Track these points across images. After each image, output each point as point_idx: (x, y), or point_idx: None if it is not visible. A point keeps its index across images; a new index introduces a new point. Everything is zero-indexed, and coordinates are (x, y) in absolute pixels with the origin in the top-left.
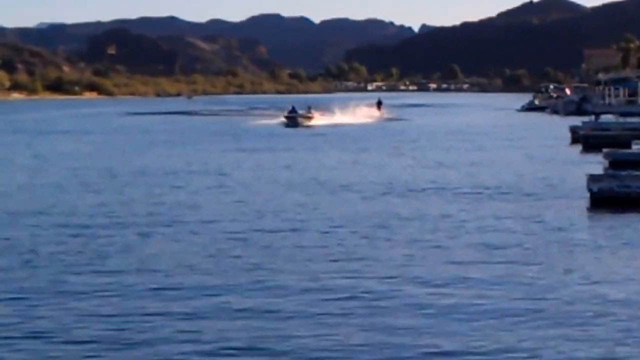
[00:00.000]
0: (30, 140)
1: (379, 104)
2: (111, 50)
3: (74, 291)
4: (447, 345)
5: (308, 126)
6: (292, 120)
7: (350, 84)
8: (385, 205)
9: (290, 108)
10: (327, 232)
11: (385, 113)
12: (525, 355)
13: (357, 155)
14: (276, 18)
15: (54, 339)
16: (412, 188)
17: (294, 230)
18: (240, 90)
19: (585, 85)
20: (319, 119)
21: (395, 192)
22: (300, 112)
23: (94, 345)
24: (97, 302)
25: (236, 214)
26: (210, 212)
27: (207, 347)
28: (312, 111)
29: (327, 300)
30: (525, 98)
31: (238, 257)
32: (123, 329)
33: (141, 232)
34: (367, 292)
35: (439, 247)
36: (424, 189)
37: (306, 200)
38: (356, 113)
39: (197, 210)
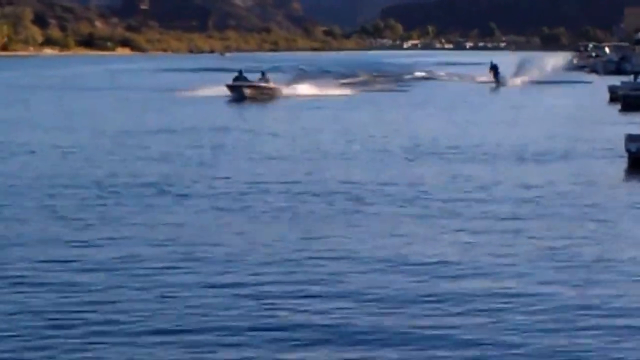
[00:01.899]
0: (61, 96)
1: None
2: (144, 6)
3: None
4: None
5: (258, 99)
6: (237, 92)
7: (385, 41)
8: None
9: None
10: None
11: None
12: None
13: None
14: None
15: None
16: (442, 150)
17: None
18: (274, 47)
19: (625, 44)
20: (276, 90)
21: (422, 153)
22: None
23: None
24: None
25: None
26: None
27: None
28: (270, 78)
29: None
30: (564, 57)
31: None
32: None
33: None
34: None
35: (482, 202)
36: (453, 150)
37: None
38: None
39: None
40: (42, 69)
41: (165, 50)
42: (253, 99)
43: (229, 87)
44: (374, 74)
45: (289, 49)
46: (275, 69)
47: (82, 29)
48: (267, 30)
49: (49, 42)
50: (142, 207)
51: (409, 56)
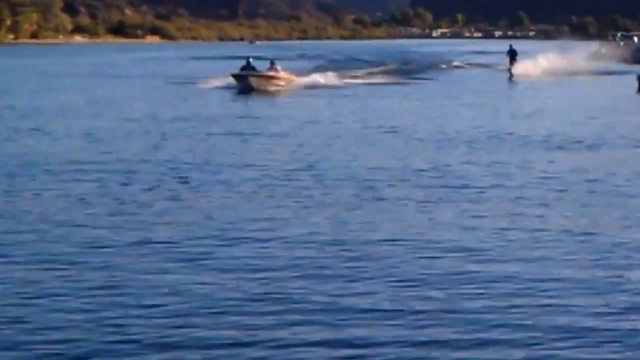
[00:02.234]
0: (89, 84)
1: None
2: None
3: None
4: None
5: (268, 92)
6: (243, 82)
7: (414, 30)
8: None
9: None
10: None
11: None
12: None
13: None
14: None
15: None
16: (472, 138)
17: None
18: (304, 35)
19: None
20: (288, 80)
21: (452, 141)
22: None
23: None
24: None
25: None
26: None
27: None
28: (279, 68)
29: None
30: (592, 46)
31: None
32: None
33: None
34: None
35: (513, 188)
36: (490, 138)
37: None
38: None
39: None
40: (72, 56)
41: (195, 38)
42: (261, 90)
43: (235, 76)
44: (402, 62)
45: (319, 37)
46: (302, 57)
47: (112, 16)
48: (297, 19)
49: (78, 30)
50: (168, 192)
51: (438, 45)
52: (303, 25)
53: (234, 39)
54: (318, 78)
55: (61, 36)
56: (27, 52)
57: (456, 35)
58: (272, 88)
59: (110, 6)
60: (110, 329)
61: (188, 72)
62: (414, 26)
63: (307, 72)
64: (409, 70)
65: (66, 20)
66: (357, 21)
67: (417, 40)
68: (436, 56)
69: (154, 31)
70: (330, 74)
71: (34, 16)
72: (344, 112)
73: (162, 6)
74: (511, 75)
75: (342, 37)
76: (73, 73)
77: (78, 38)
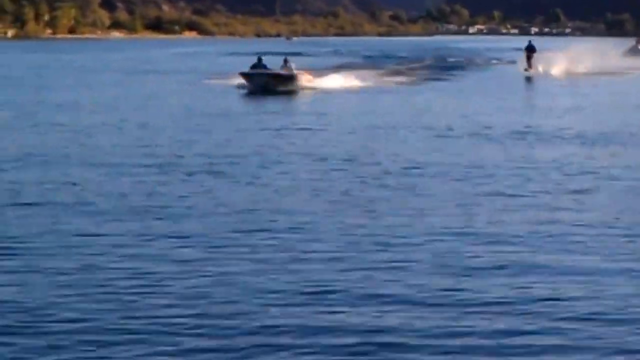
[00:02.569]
0: (129, 80)
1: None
2: None
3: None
4: None
5: (278, 90)
6: (253, 81)
7: (451, 27)
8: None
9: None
10: None
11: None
12: None
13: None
14: None
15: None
16: (506, 134)
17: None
18: (341, 31)
19: None
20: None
21: (486, 136)
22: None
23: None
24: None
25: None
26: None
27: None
28: (293, 66)
29: None
30: (628, 43)
31: None
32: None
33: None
34: None
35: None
36: (524, 134)
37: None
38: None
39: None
40: (109, 52)
41: (232, 34)
42: (272, 90)
43: (244, 75)
44: (437, 58)
45: (355, 33)
46: (336, 53)
47: (150, 12)
48: (334, 15)
49: (116, 25)
50: (204, 185)
51: (474, 41)
52: (340, 21)
53: (270, 35)
54: (337, 77)
55: (99, 31)
56: (65, 48)
57: (493, 32)
58: (286, 88)
59: (148, 2)
60: (145, 318)
61: (223, 67)
62: (450, 23)
63: (327, 71)
64: (443, 66)
65: (104, 16)
66: (393, 17)
67: (454, 37)
68: (473, 52)
69: (191, 27)
70: (350, 73)
71: (72, 11)
72: (375, 109)
73: (199, 2)
74: (529, 72)
75: (379, 34)
76: (110, 68)
77: (116, 34)
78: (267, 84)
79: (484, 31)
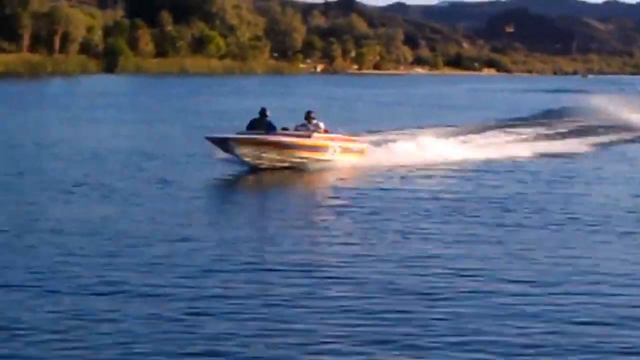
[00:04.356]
0: (426, 113)
1: None
2: (509, 29)
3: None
4: None
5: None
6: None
7: None
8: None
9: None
10: None
11: None
12: None
13: None
14: None
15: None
16: None
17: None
18: (636, 70)
19: None
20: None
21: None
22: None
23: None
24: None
25: None
26: None
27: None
28: (320, 124)
29: None
30: None
31: None
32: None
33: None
34: None
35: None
36: None
37: None
38: None
39: None
40: (411, 87)
41: (529, 71)
42: (259, 164)
43: (212, 140)
44: None
45: None
46: (620, 91)
47: (450, 49)
48: (629, 54)
49: (418, 61)
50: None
51: None
52: (636, 60)
53: (567, 73)
54: (392, 150)
55: (402, 67)
56: (370, 82)
57: None
58: (293, 159)
59: (449, 39)
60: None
61: (516, 104)
62: None
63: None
64: None
65: (407, 52)
66: None
67: None
68: None
69: (490, 64)
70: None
71: (377, 48)
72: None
73: (498, 40)
74: None
75: None
76: (409, 102)
77: (418, 69)
78: (245, 154)
79: None
